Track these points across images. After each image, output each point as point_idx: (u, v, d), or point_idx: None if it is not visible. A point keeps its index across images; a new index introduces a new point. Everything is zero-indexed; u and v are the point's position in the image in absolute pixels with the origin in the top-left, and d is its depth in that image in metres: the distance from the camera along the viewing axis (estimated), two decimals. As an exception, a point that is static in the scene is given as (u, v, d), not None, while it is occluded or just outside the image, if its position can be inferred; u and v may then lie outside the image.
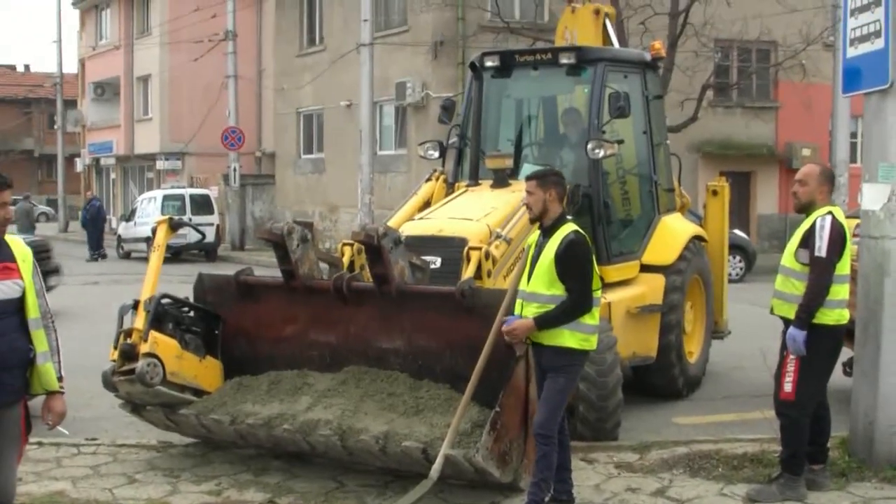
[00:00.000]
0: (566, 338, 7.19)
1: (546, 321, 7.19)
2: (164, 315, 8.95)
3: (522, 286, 7.42)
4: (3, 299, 5.67)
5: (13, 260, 5.79)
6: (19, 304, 5.76)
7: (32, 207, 40.75)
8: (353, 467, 8.55)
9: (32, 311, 5.81)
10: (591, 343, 7.34)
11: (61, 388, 5.97)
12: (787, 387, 7.71)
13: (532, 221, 7.59)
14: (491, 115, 11.92)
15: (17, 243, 5.92)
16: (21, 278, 5.75)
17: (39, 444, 9.58)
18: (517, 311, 7.37)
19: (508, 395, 7.64)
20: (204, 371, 9.02)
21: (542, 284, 7.25)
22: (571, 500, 7.59)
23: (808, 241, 7.65)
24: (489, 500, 7.83)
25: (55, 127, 64.45)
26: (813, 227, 7.65)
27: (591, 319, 7.29)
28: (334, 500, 7.92)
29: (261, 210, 39.90)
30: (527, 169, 11.12)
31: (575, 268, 7.21)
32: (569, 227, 7.33)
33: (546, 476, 7.26)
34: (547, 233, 7.38)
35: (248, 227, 38.77)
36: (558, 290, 7.20)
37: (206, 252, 34.44)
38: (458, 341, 8.27)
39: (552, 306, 7.19)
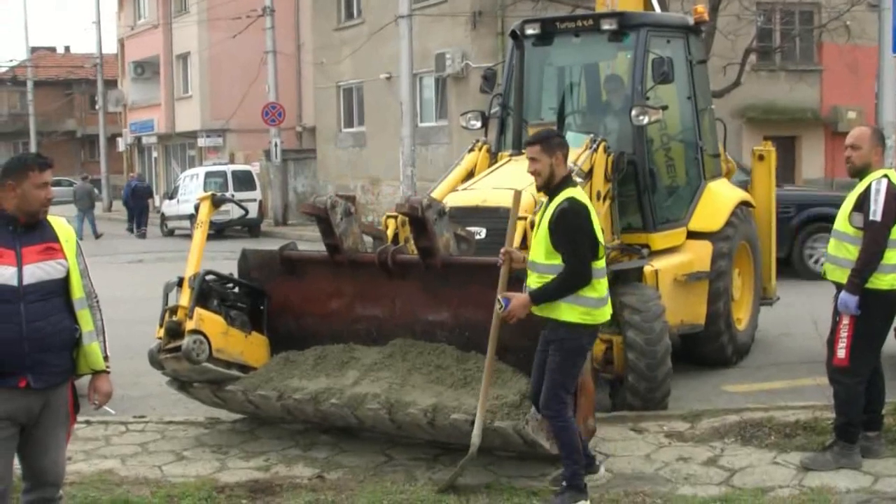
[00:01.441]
0: (563, 311, 6.97)
1: (542, 295, 6.97)
2: (209, 292, 8.93)
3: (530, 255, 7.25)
4: (47, 279, 5.63)
5: (56, 240, 5.75)
6: (64, 284, 5.72)
7: (93, 187, 41.13)
8: (400, 441, 8.52)
9: (77, 292, 5.76)
10: (595, 317, 7.06)
11: (107, 367, 5.94)
12: (841, 353, 7.58)
13: (540, 189, 7.30)
14: (533, 84, 11.78)
15: (60, 224, 5.87)
16: (65, 258, 5.72)
17: (88, 422, 9.63)
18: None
19: (557, 366, 7.56)
20: (250, 347, 9.00)
21: (540, 253, 7.06)
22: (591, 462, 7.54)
23: (862, 204, 7.50)
24: (539, 472, 7.78)
25: (96, 107, 64.73)
26: (868, 190, 7.49)
27: (593, 292, 6.99)
28: (383, 474, 7.90)
29: (303, 185, 39.90)
30: (570, 138, 11.01)
31: (567, 237, 6.93)
32: (567, 194, 7.02)
33: (570, 454, 7.09)
34: (550, 197, 7.15)
35: (291, 203, 38.83)
36: (556, 260, 6.97)
37: (250, 228, 34.52)
38: (504, 313, 8.19)
39: (550, 277, 6.98)
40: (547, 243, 7.00)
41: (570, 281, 6.92)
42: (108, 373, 5.97)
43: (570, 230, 6.95)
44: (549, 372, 7.07)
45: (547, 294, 6.96)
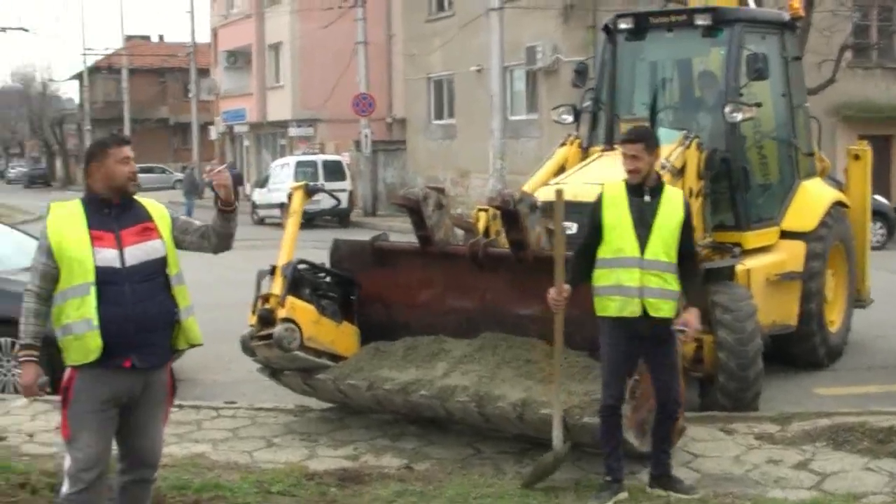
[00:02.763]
0: (674, 308, 6.99)
1: (700, 297, 7.00)
2: (301, 280, 9.00)
3: (627, 252, 6.95)
4: (147, 260, 5.68)
5: (150, 219, 5.81)
6: (163, 263, 5.77)
7: (197, 175, 42.09)
8: (488, 434, 8.52)
9: (173, 268, 5.82)
10: None
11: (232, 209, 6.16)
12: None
13: (637, 185, 7.07)
14: (625, 79, 11.73)
15: (151, 203, 5.94)
16: (161, 237, 5.78)
17: (180, 406, 9.75)
18: (613, 279, 6.98)
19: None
20: (340, 336, 9.07)
21: (664, 251, 6.92)
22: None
23: None
24: (627, 470, 7.70)
25: (189, 96, 65.63)
26: None
27: None
28: (471, 466, 7.91)
29: (392, 176, 40.06)
30: (662, 133, 10.93)
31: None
32: (677, 190, 7.09)
33: (609, 452, 7.16)
34: (653, 193, 7.03)
35: (380, 193, 39.03)
36: (674, 258, 6.92)
37: (339, 218, 34.72)
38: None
39: (670, 275, 6.91)
40: (675, 238, 6.95)
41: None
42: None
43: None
44: (671, 368, 7.13)
45: (700, 295, 6.90)
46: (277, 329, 8.49)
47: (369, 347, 9.00)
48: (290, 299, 8.68)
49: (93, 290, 5.51)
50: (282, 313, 8.58)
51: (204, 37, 65.00)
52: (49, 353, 5.85)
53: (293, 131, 49.08)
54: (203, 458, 8.24)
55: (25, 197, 67.03)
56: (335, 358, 8.93)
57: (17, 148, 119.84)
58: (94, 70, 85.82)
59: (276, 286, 8.78)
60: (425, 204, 8.81)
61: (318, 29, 42.41)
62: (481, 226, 9.63)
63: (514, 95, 33.46)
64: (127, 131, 71.32)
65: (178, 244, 5.91)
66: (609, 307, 7.00)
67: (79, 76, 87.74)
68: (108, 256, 5.58)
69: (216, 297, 14.57)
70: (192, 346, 5.95)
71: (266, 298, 8.79)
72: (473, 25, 31.77)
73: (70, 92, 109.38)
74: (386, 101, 45.08)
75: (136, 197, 5.89)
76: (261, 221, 38.01)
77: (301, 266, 9.10)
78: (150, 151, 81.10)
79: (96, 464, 5.59)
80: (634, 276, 6.89)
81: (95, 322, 5.49)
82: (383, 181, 39.84)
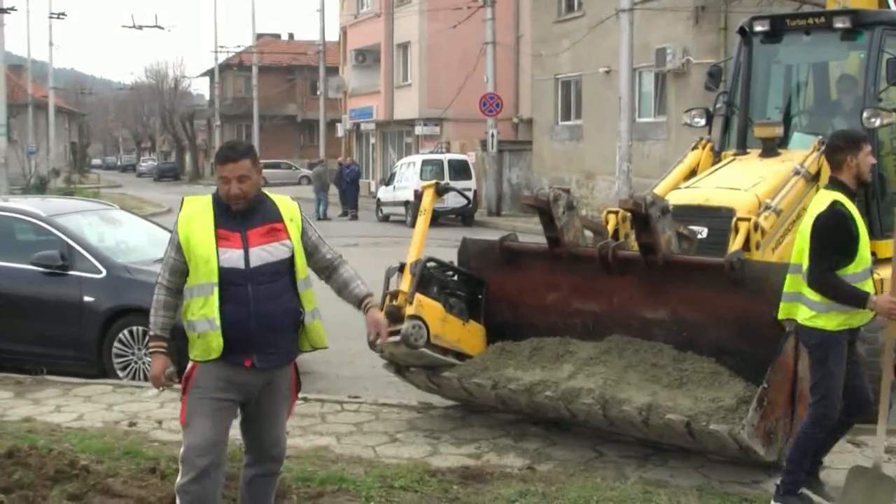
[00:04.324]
0: None
1: None
2: (429, 278, 9.06)
3: (868, 262, 6.97)
4: (273, 261, 5.70)
5: (279, 219, 5.80)
6: (290, 264, 5.76)
7: (325, 171, 43.29)
8: (611, 437, 8.47)
9: (301, 272, 5.81)
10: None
11: (373, 302, 6.07)
12: None
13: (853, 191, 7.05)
14: (759, 82, 11.52)
15: (284, 201, 5.93)
16: (289, 238, 5.76)
17: (304, 399, 9.89)
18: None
19: (776, 371, 7.41)
20: (467, 335, 9.10)
21: None
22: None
23: None
24: (751, 479, 7.63)
25: (317, 93, 66.35)
26: None
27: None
28: (593, 469, 7.87)
29: (517, 176, 40.02)
30: (796, 139, 10.75)
31: None
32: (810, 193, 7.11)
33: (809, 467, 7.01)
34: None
35: (505, 193, 39.03)
36: None
37: (463, 217, 34.80)
38: (724, 314, 8.08)
39: None
40: None
41: None
42: (377, 306, 6.16)
43: None
44: (859, 366, 7.09)
45: None
46: (405, 326, 8.55)
47: (495, 347, 9.01)
48: (418, 297, 8.74)
49: (216, 290, 5.59)
50: (409, 310, 8.64)
51: (333, 35, 65.72)
52: (178, 344, 5.96)
53: (419, 130, 49.36)
54: (327, 450, 8.35)
55: (155, 190, 68.76)
56: (461, 356, 8.96)
57: (149, 142, 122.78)
58: (225, 67, 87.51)
59: (405, 283, 8.85)
60: (556, 205, 8.79)
61: (446, 29, 42.56)
62: (610, 228, 9.57)
63: (642, 97, 33.17)
64: (255, 127, 72.51)
65: None
66: (854, 319, 6.89)
67: (210, 73, 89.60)
68: (233, 257, 5.62)
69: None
70: (316, 348, 6.01)
71: (394, 295, 8.87)
72: (603, 27, 31.58)
73: (201, 88, 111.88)
74: (512, 102, 45.05)
75: (268, 193, 5.89)
76: (385, 219, 38.32)
77: (430, 264, 9.15)
78: (278, 148, 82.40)
79: (209, 451, 5.62)
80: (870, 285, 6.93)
81: (217, 322, 5.57)
82: (508, 181, 39.82)
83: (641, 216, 8.27)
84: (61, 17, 67.04)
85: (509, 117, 44.55)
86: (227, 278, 5.59)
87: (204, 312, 5.60)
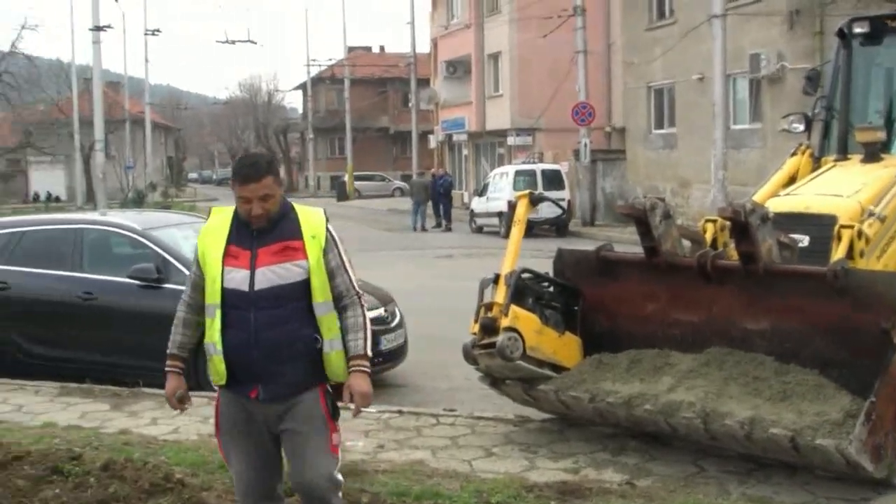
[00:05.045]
0: None
1: None
2: (524, 289, 8.94)
3: None
4: (281, 283, 5.18)
5: (298, 237, 5.25)
6: (303, 287, 5.22)
7: (425, 182, 43.59)
8: (712, 452, 8.27)
9: (319, 294, 5.24)
10: None
11: (362, 366, 5.31)
12: None
13: None
14: (859, 85, 11.24)
15: (310, 215, 5.37)
16: (305, 258, 5.21)
17: (399, 412, 9.90)
18: None
19: (885, 384, 7.17)
20: (563, 347, 8.97)
21: None
22: None
23: None
24: (859, 496, 7.38)
25: (409, 105, 66.78)
26: None
27: None
28: (694, 485, 7.67)
29: (611, 186, 39.72)
30: (900, 144, 10.48)
31: None
32: None
33: None
34: None
35: (599, 203, 38.77)
36: None
37: (557, 227, 34.61)
38: (827, 325, 7.83)
39: None
40: None
41: None
42: (366, 371, 5.33)
43: None
44: None
45: None
46: (500, 338, 8.46)
47: (592, 359, 8.86)
48: (514, 308, 8.64)
49: (218, 312, 5.19)
50: (505, 322, 8.55)
51: (424, 47, 66.08)
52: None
53: (512, 140, 49.28)
54: (422, 464, 8.26)
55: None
56: (557, 368, 8.84)
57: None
58: (318, 80, 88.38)
59: (500, 295, 8.76)
60: (652, 214, 8.63)
61: (536, 38, 42.48)
62: (708, 237, 9.39)
63: (736, 104, 32.77)
64: (348, 140, 73.16)
65: None
66: None
67: (302, 86, 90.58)
68: (237, 278, 5.18)
69: (434, 304, 14.70)
70: (335, 383, 5.41)
71: (489, 307, 8.78)
72: (695, 33, 31.28)
73: (294, 102, 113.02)
74: (605, 110, 44.76)
75: (296, 206, 5.42)
76: (479, 230, 38.29)
77: (524, 275, 9.04)
78: (371, 160, 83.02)
79: (250, 490, 5.40)
80: None
81: (219, 347, 5.20)
82: (602, 191, 39.54)
83: (741, 224, 8.08)
84: (156, 33, 68.41)
85: (602, 126, 44.23)
86: (230, 301, 5.19)
87: (210, 335, 5.26)
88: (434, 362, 12.12)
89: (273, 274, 5.16)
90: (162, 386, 5.74)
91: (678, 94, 36.07)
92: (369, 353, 5.34)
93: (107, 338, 11.53)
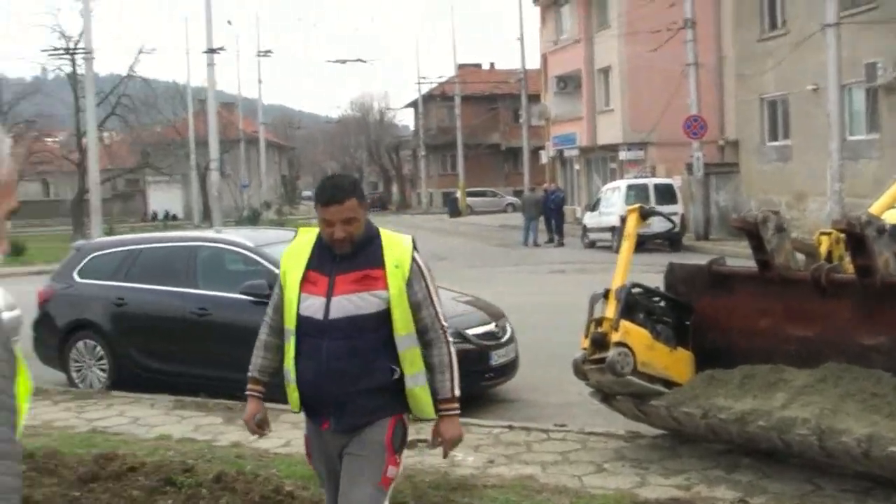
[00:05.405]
0: None
1: None
2: (635, 304, 8.88)
3: None
4: (357, 314, 4.90)
5: (380, 266, 4.94)
6: (382, 318, 4.93)
7: (540, 198, 43.56)
8: (828, 469, 8.10)
9: (400, 327, 4.95)
10: None
11: (450, 409, 5.09)
12: None
13: None
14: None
15: (396, 243, 5.06)
16: (386, 289, 4.91)
17: (510, 427, 9.91)
18: None
19: None
20: (674, 362, 8.86)
21: None
22: None
23: None
24: None
25: (520, 121, 66.84)
26: None
27: None
28: (809, 503, 7.53)
29: (724, 199, 39.19)
30: None
31: None
32: None
33: None
34: None
35: (712, 217, 38.26)
36: None
37: (670, 241, 34.29)
38: (949, 340, 7.64)
39: None
40: None
41: None
42: (455, 415, 5.12)
43: None
44: None
45: None
46: (611, 353, 8.41)
47: (704, 374, 8.73)
48: (624, 323, 8.58)
49: (293, 339, 5.02)
50: (615, 337, 8.50)
51: (534, 63, 66.06)
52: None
53: (623, 155, 49.01)
54: (532, 480, 8.22)
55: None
56: (669, 384, 8.74)
57: (357, 173, 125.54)
58: (428, 98, 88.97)
59: (610, 310, 8.71)
60: (764, 227, 8.50)
61: (646, 52, 42.21)
62: (823, 250, 9.21)
63: (852, 114, 32.17)
64: (460, 157, 73.42)
65: None
66: None
67: (413, 104, 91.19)
68: (314, 305, 4.96)
69: (548, 319, 14.63)
70: (420, 418, 5.17)
71: (599, 322, 8.74)
72: (808, 43, 30.79)
73: (405, 119, 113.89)
74: (718, 123, 44.25)
75: (384, 232, 5.12)
76: (591, 245, 38.11)
77: (635, 290, 8.97)
78: (482, 176, 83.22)
79: None
80: None
81: (293, 375, 5.04)
82: (716, 204, 39.04)
83: (856, 237, 7.91)
84: (268, 54, 69.49)
85: (715, 139, 43.71)
86: (304, 328, 4.98)
87: (286, 361, 5.10)
88: (547, 378, 12.08)
89: (349, 303, 4.91)
90: (273, 400, 5.73)
91: (792, 105, 35.54)
92: (457, 393, 5.09)
93: (220, 352, 11.72)
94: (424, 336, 5.03)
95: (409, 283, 4.95)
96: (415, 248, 5.07)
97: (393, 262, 4.94)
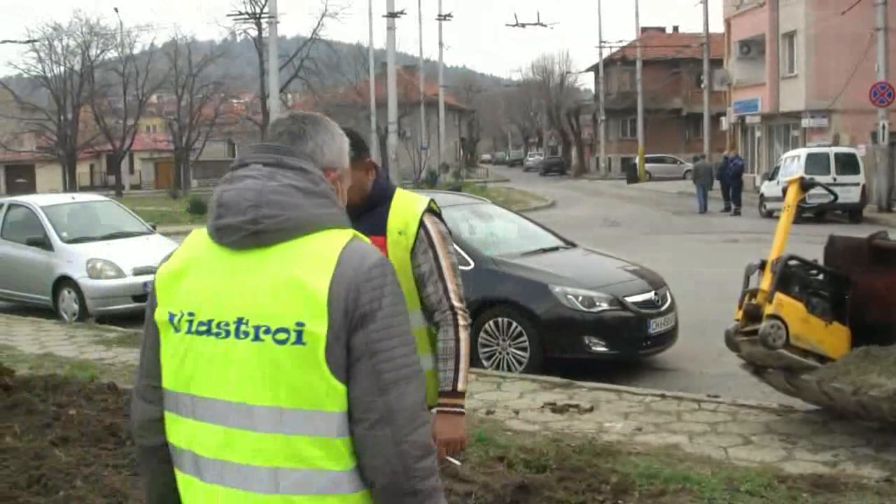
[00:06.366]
0: None
1: None
2: (791, 277, 8.74)
3: None
4: None
5: (381, 232, 4.23)
6: None
7: (712, 165, 43.48)
8: None
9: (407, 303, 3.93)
10: None
11: (449, 405, 4.21)
12: None
13: None
14: None
15: (404, 207, 4.34)
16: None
17: (662, 396, 9.95)
18: None
19: None
20: (829, 336, 8.71)
21: None
22: None
23: None
24: None
25: (702, 86, 65.73)
26: None
27: None
28: (962, 486, 7.34)
29: (910, 170, 37.92)
30: None
31: None
32: None
33: None
34: None
35: (896, 188, 37.09)
36: None
37: (850, 213, 33.36)
38: None
39: None
40: None
41: None
42: (456, 413, 4.23)
43: None
44: None
45: None
46: (763, 325, 8.33)
47: (859, 350, 8.52)
48: (779, 296, 8.47)
49: None
50: (769, 309, 8.41)
51: (717, 27, 64.79)
52: None
53: (806, 122, 47.72)
54: (677, 449, 8.24)
55: (541, 185, 70.19)
56: (822, 359, 8.59)
57: (536, 137, 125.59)
58: (609, 62, 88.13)
59: (765, 281, 8.61)
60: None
61: (833, 15, 41.02)
62: None
63: None
64: (639, 122, 72.79)
65: None
66: None
67: (594, 68, 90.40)
68: None
69: (711, 289, 14.45)
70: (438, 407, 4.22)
71: (754, 293, 8.66)
72: None
73: (586, 83, 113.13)
74: (906, 91, 42.73)
75: (402, 192, 4.44)
76: (769, 214, 37.28)
77: (791, 262, 8.83)
78: (662, 142, 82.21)
79: None
80: None
81: None
82: (899, 175, 37.81)
83: None
84: (448, 18, 69.82)
85: (902, 107, 42.30)
86: None
87: None
88: (706, 348, 11.99)
89: None
90: None
91: None
92: (460, 387, 4.20)
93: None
94: (432, 316, 4.28)
95: (412, 254, 4.24)
96: (431, 211, 4.36)
97: (396, 229, 4.25)
